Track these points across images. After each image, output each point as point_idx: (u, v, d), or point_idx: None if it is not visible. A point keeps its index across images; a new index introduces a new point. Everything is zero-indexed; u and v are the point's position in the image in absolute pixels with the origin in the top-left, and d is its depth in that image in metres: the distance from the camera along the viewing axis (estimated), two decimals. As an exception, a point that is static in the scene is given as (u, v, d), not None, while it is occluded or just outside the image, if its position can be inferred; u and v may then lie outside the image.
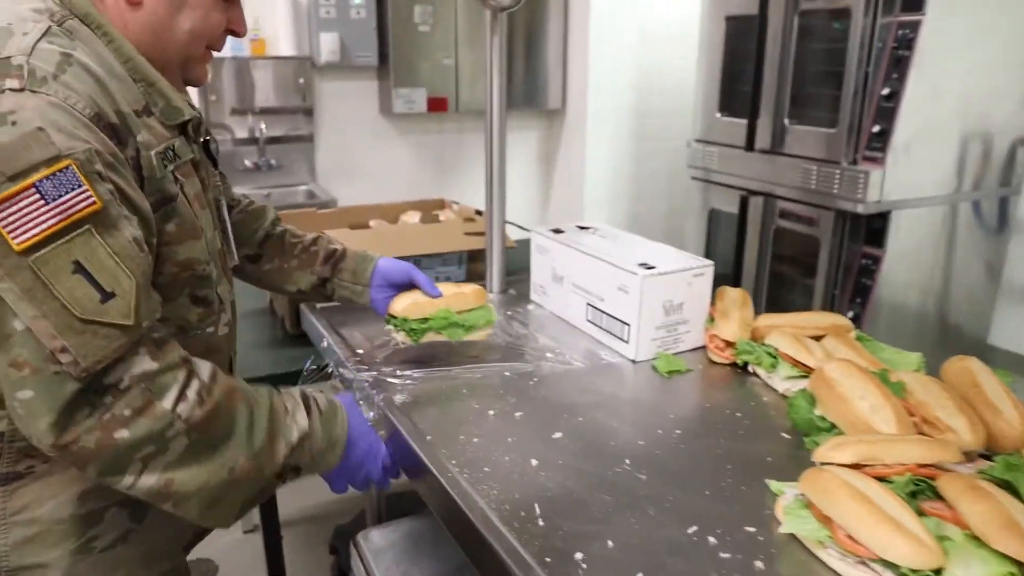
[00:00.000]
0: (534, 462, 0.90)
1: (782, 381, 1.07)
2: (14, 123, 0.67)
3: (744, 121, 2.61)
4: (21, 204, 0.65)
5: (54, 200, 0.66)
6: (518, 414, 1.03)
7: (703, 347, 1.26)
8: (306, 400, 0.89)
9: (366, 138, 2.98)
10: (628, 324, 1.20)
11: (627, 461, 0.90)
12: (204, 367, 0.78)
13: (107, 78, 0.77)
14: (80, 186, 0.68)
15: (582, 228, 1.46)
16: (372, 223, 1.66)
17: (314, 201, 2.93)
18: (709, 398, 1.09)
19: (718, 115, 2.78)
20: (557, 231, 1.43)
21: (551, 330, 1.35)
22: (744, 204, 2.69)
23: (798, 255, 2.62)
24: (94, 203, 0.68)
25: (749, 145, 2.61)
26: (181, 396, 0.74)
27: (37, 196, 0.66)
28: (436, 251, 1.62)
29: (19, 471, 0.81)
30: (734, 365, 1.19)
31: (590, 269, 1.28)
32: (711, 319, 1.26)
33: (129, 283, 0.71)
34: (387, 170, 3.04)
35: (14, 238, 0.65)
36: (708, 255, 2.91)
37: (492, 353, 1.23)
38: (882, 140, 2.27)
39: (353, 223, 1.64)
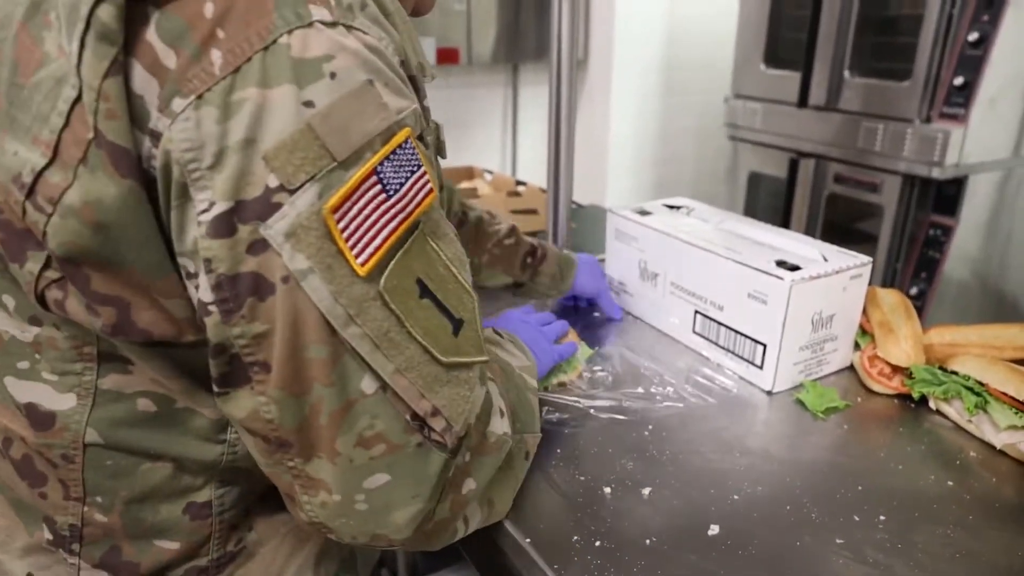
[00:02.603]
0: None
1: (1002, 432, 0.78)
2: (333, 75, 0.42)
3: (795, 74, 2.31)
4: (363, 202, 0.43)
5: (397, 191, 0.45)
6: (646, 491, 0.74)
7: (849, 367, 0.98)
8: (496, 335, 0.75)
9: (367, 93, 2.62)
10: (764, 344, 0.90)
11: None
12: None
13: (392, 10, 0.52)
14: (419, 166, 0.47)
15: (671, 207, 1.15)
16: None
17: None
18: (895, 455, 0.80)
19: (763, 67, 2.47)
20: (643, 212, 1.12)
21: (640, 344, 1.05)
22: (793, 167, 2.40)
23: (855, 224, 2.35)
24: (431, 191, 0.48)
25: (802, 101, 2.31)
26: (500, 410, 0.59)
27: (379, 188, 0.44)
28: (480, 236, 1.30)
29: (232, 551, 0.60)
30: (900, 395, 0.91)
31: (702, 267, 0.97)
32: (862, 332, 0.97)
33: (471, 302, 0.52)
34: (390, 129, 2.69)
35: (357, 256, 0.43)
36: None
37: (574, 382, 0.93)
38: (965, 94, 1.98)
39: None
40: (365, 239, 0.43)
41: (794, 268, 0.88)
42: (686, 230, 1.03)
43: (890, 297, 0.97)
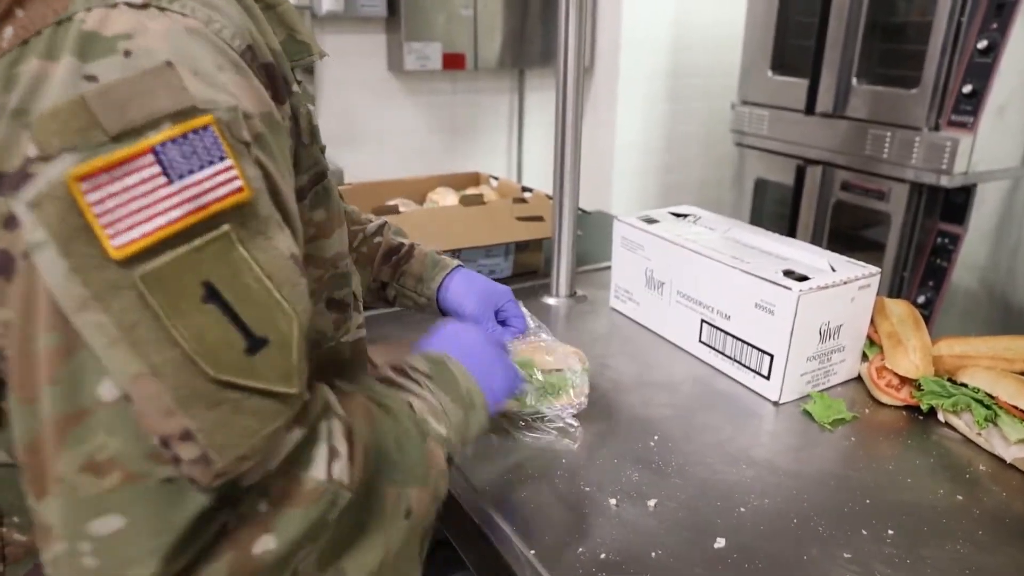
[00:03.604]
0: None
1: (1012, 446, 0.77)
2: (128, 53, 0.39)
3: (802, 80, 2.30)
4: (129, 181, 0.38)
5: (182, 178, 0.40)
6: (651, 503, 0.73)
7: (857, 378, 0.97)
8: (404, 373, 0.61)
9: (373, 99, 2.59)
10: (771, 355, 0.90)
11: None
12: (326, 391, 0.51)
13: None
14: (222, 159, 0.41)
15: (678, 215, 1.14)
16: (400, 206, 1.33)
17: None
18: (904, 468, 0.79)
19: (770, 74, 2.46)
20: (649, 220, 1.11)
21: (646, 352, 1.05)
22: (800, 174, 2.39)
23: (862, 232, 2.34)
24: (240, 189, 0.41)
25: (809, 108, 2.30)
26: (332, 453, 0.47)
27: (157, 170, 0.39)
28: (485, 243, 1.30)
29: None
30: (908, 407, 0.90)
31: (709, 276, 0.97)
32: (870, 343, 0.96)
33: (288, 324, 0.43)
34: (396, 135, 2.67)
35: (112, 237, 0.38)
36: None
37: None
38: (973, 102, 1.97)
39: (376, 206, 1.31)
40: (128, 221, 0.38)
41: (802, 278, 0.88)
42: (693, 239, 1.02)
43: (898, 308, 0.96)
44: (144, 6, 0.41)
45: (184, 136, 0.40)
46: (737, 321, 0.94)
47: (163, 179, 0.39)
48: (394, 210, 1.28)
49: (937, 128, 2.02)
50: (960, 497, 0.74)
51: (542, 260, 1.39)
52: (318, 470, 0.45)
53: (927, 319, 2.17)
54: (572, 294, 1.25)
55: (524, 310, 0.91)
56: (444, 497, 0.58)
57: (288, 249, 0.45)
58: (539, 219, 1.33)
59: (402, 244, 0.93)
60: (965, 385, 0.84)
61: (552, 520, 0.70)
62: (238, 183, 0.41)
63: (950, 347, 0.91)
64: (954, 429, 0.85)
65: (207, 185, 0.40)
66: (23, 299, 0.38)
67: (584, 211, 1.45)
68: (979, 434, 0.81)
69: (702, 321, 1.00)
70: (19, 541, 0.51)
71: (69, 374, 0.38)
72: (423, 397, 0.60)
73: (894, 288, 2.23)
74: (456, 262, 0.92)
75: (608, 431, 0.85)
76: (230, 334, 0.41)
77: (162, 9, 0.42)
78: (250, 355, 0.41)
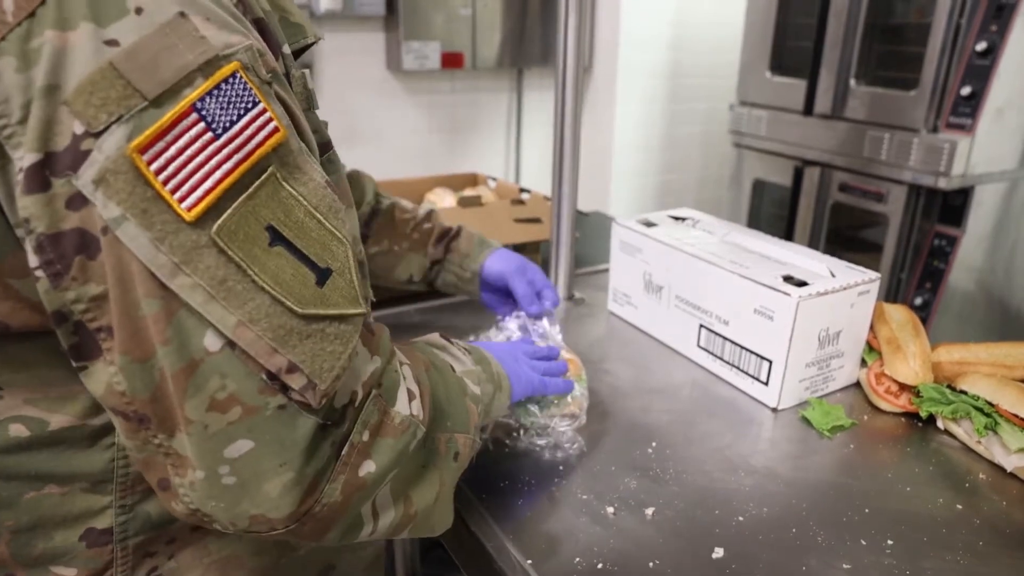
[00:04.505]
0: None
1: (1012, 455, 0.77)
2: (139, 10, 0.40)
3: (800, 81, 2.30)
4: (181, 142, 0.40)
5: (226, 130, 0.41)
6: (649, 511, 0.72)
7: (856, 383, 0.97)
8: (446, 342, 0.70)
9: (371, 98, 2.58)
10: (770, 360, 0.89)
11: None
12: (388, 336, 0.58)
13: None
14: (255, 103, 0.42)
15: (677, 219, 1.14)
16: (396, 207, 1.32)
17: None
18: (903, 477, 0.79)
19: (768, 75, 2.45)
20: (648, 223, 1.11)
21: (644, 357, 1.04)
22: (798, 175, 2.39)
23: (859, 233, 2.34)
24: (276, 129, 0.43)
25: (807, 109, 2.30)
26: (410, 394, 0.55)
27: (202, 126, 0.40)
28: (483, 246, 1.29)
29: None
30: (907, 414, 0.89)
31: (707, 280, 0.96)
32: (869, 348, 0.96)
33: (343, 249, 0.47)
34: (394, 135, 2.65)
35: (181, 200, 0.40)
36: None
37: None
38: (972, 104, 1.97)
39: (373, 207, 1.30)
40: (190, 182, 0.40)
41: (801, 284, 0.87)
42: (692, 243, 1.02)
43: (898, 313, 0.96)
44: None
45: (217, 87, 0.41)
46: (736, 326, 0.93)
47: (210, 135, 0.40)
48: (391, 211, 1.27)
49: (935, 130, 2.02)
50: (960, 506, 0.73)
51: (540, 262, 1.38)
52: (402, 406, 0.52)
53: (924, 321, 2.17)
54: (570, 297, 1.24)
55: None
56: (480, 449, 0.65)
57: (321, 177, 0.47)
58: (537, 221, 1.32)
59: (451, 227, 1.01)
60: (965, 392, 0.84)
61: (548, 529, 0.69)
62: (273, 124, 0.43)
63: (949, 353, 0.91)
64: (954, 437, 0.84)
65: (248, 132, 0.42)
66: (115, 271, 0.40)
67: (582, 213, 1.44)
68: (979, 442, 0.81)
69: (700, 326, 0.99)
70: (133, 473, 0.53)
71: (175, 333, 0.41)
72: (463, 362, 0.67)
73: (892, 290, 2.23)
74: (498, 243, 1.03)
75: (606, 437, 0.84)
76: (301, 270, 0.44)
77: None
78: (320, 287, 0.45)
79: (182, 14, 0.41)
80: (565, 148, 1.13)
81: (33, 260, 0.40)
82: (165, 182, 0.39)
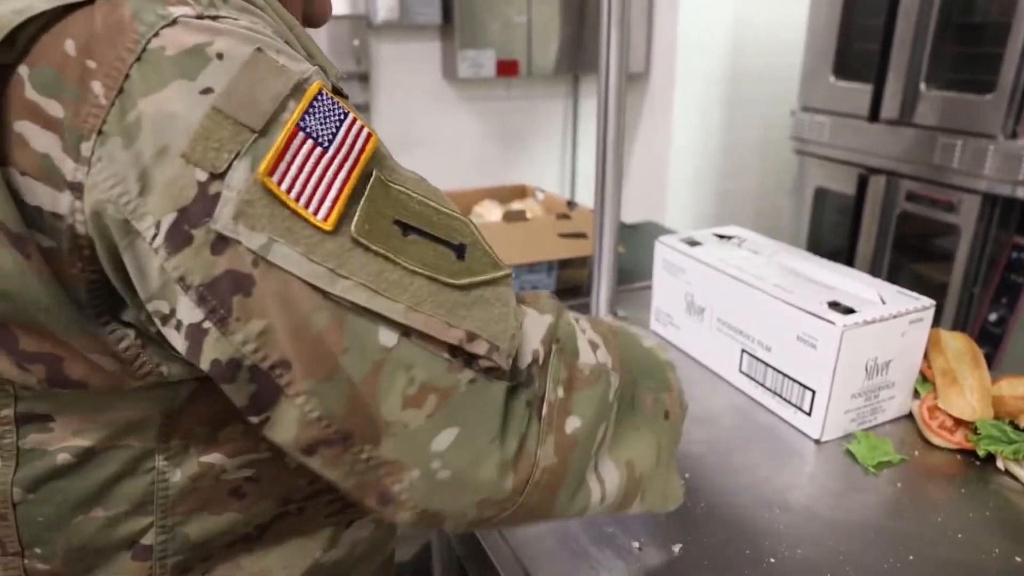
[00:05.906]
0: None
1: (1078, 502, 0.71)
2: (220, 56, 0.41)
3: (866, 86, 2.20)
4: (298, 161, 0.42)
5: (331, 142, 0.43)
6: (677, 547, 0.70)
7: (908, 415, 0.91)
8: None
9: (427, 106, 2.61)
10: (812, 390, 0.85)
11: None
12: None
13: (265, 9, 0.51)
14: (346, 114, 0.45)
15: (721, 237, 1.10)
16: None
17: (371, 179, 2.52)
18: (954, 521, 0.74)
19: (832, 79, 2.36)
20: (692, 242, 1.08)
21: (686, 380, 1.01)
22: (863, 183, 2.29)
23: (928, 245, 2.23)
24: (370, 135, 0.45)
25: (873, 115, 2.20)
26: (592, 344, 0.54)
27: (311, 143, 0.42)
28: (526, 260, 1.28)
29: None
30: (963, 451, 0.84)
31: (750, 304, 0.93)
32: (923, 379, 0.90)
33: (465, 225, 0.48)
34: (450, 142, 2.68)
35: (315, 213, 0.41)
36: (812, 242, 2.53)
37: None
38: (1053, 110, 1.85)
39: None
40: (317, 195, 0.41)
41: (848, 311, 0.83)
42: (736, 264, 0.98)
43: (955, 342, 0.90)
44: (199, 17, 0.42)
45: (311, 106, 0.43)
46: (778, 353, 0.90)
47: (320, 149, 0.42)
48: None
49: (1014, 136, 1.90)
50: (1019, 559, 0.68)
51: (586, 276, 1.36)
52: (587, 356, 0.52)
53: (1000, 339, 2.05)
54: (613, 314, 1.22)
55: None
56: (687, 410, 0.65)
57: (411, 171, 0.49)
58: (582, 236, 1.31)
59: None
60: (1029, 432, 0.78)
61: (569, 562, 0.68)
62: (366, 131, 0.45)
63: (1013, 387, 0.85)
64: (1015, 479, 0.79)
65: (348, 142, 0.43)
66: (277, 298, 0.41)
67: (628, 225, 1.41)
68: (1042, 486, 0.75)
69: (743, 351, 0.96)
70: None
71: (351, 338, 0.42)
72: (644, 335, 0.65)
73: (963, 304, 2.12)
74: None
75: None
76: (440, 250, 0.45)
77: (215, 18, 0.43)
78: (462, 260, 0.46)
79: (259, 50, 0.42)
80: (608, 160, 1.11)
81: (197, 315, 0.41)
82: (296, 199, 0.41)
